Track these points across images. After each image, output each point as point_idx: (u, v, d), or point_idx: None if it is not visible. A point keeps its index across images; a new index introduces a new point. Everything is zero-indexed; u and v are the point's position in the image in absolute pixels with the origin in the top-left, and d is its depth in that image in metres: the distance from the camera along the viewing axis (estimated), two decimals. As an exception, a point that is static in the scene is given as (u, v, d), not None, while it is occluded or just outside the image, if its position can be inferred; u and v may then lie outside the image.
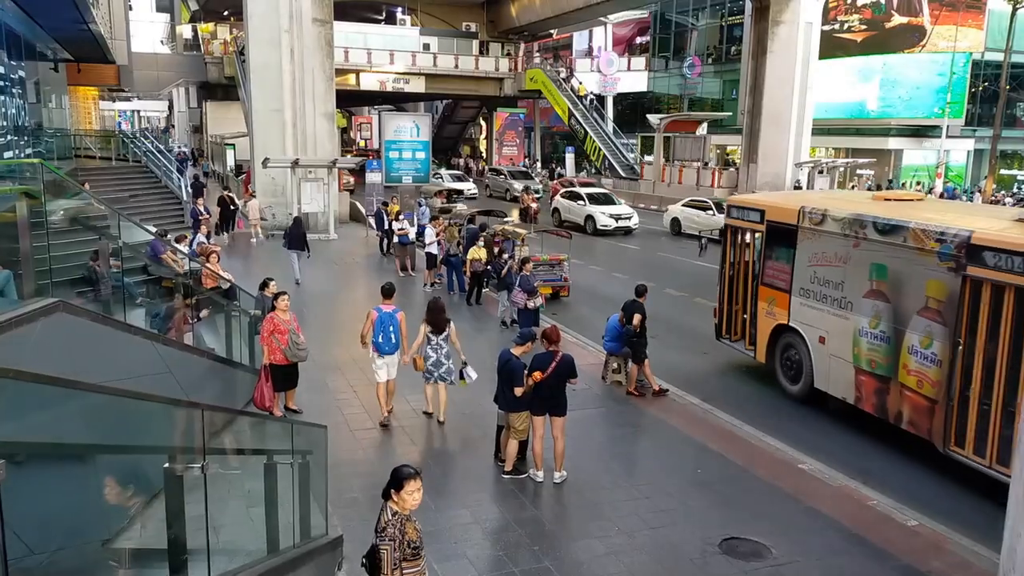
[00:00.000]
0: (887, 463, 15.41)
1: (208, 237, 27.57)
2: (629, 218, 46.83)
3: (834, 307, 17.12)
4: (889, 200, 18.07)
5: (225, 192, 43.33)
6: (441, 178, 64.09)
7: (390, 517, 7.72)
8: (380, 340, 15.86)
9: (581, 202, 48.17)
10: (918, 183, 62.13)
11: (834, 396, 17.44)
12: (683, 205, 47.29)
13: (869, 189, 57.17)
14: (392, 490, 7.80)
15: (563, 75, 77.24)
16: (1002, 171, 65.59)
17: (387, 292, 16.43)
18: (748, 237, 20.12)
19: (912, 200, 19.02)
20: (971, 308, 13.85)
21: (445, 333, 16.01)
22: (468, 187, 63.77)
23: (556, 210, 49.71)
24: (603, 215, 46.16)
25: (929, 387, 14.71)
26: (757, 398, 18.90)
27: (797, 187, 53.01)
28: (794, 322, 18.35)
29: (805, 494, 13.51)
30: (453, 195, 47.76)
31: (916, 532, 12.28)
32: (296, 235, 29.85)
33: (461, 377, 16.12)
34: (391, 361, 16.11)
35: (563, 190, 52.73)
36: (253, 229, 40.73)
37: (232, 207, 41.23)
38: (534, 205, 48.86)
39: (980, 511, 13.25)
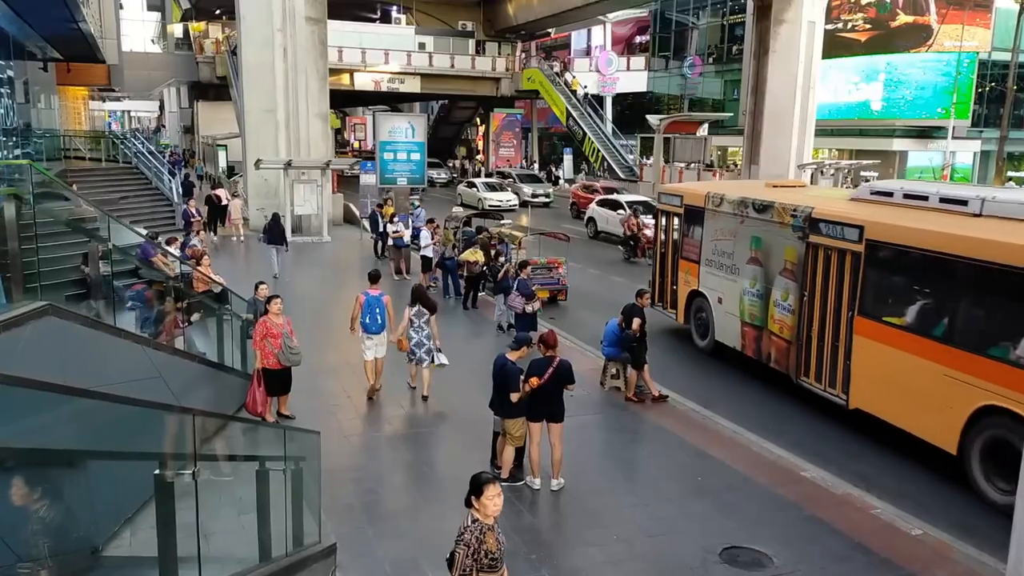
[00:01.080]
0: (890, 469, 15.42)
1: (196, 236, 27.89)
2: None
3: (727, 273, 21.34)
4: (776, 187, 22.36)
5: (213, 191, 43.54)
6: (475, 187, 61.06)
7: (469, 523, 7.86)
8: (367, 321, 17.69)
9: (622, 211, 42.27)
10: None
11: (728, 346, 21.46)
12: (597, 204, 46.15)
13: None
14: (472, 497, 7.92)
15: (556, 69, 77.26)
16: (1009, 173, 65.49)
17: (373, 278, 18.59)
18: (671, 219, 24.26)
19: (792, 187, 23.25)
20: (811, 267, 18.06)
21: (427, 317, 17.93)
22: (506, 198, 58.66)
23: (592, 220, 45.95)
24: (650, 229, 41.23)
25: (787, 332, 18.89)
26: (758, 404, 18.88)
27: None
28: (702, 287, 22.58)
29: (807, 502, 13.52)
30: (488, 214, 38.84)
31: (920, 541, 12.28)
32: (274, 231, 32.39)
33: (433, 360, 18.06)
34: (378, 340, 17.86)
35: (600, 197, 48.96)
36: (234, 228, 41.15)
37: (221, 204, 41.95)
38: (648, 232, 35.50)
39: (983, 519, 13.28)
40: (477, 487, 7.88)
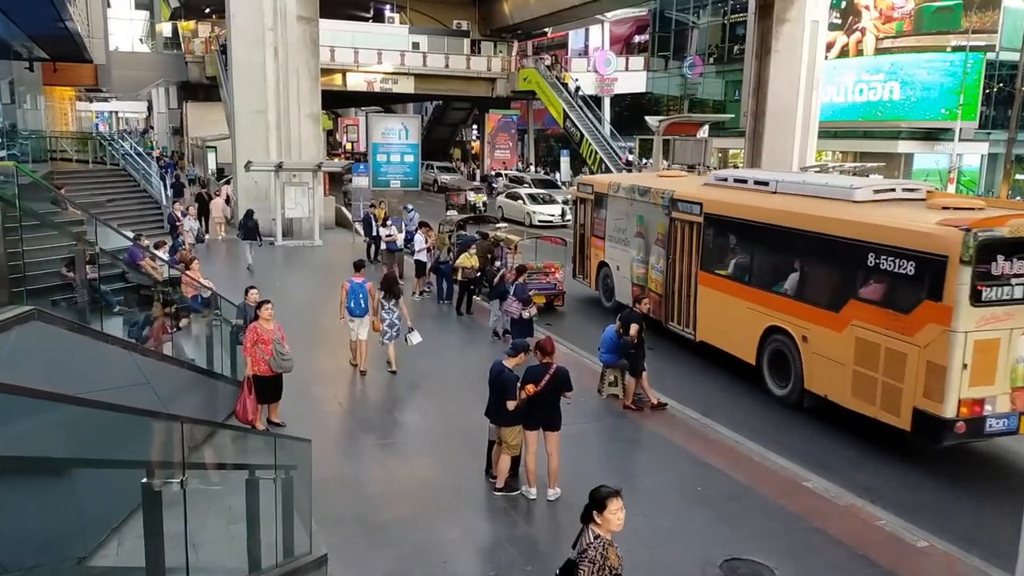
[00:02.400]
0: (894, 480, 15.46)
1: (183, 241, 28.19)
2: None
3: (622, 245, 26.96)
4: (661, 177, 28.28)
5: (203, 190, 43.87)
6: (520, 198, 55.31)
7: (592, 540, 7.81)
8: (352, 305, 20.22)
9: None
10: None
11: (625, 305, 24.42)
12: (506, 197, 46.25)
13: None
14: (594, 512, 7.86)
15: (548, 63, 77.32)
16: (1017, 176, 65.42)
17: (357, 266, 21.42)
18: (586, 205, 29.88)
19: (673, 177, 27.99)
20: (673, 236, 23.73)
21: (395, 301, 20.38)
22: (556, 212, 53.38)
23: (527, 213, 45.53)
24: None
25: (659, 288, 24.48)
26: (759, 413, 18.89)
27: None
28: (607, 259, 28.26)
29: (810, 513, 13.53)
30: (485, 219, 38.63)
31: (926, 553, 12.29)
32: (248, 226, 35.09)
33: (406, 339, 20.58)
34: (362, 323, 20.36)
35: None
36: (216, 227, 41.69)
37: (210, 199, 43.01)
38: None
39: (987, 528, 13.30)
40: (600, 501, 7.84)
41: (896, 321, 15.88)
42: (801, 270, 18.94)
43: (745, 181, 22.58)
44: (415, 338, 20.68)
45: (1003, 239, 14.83)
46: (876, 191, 18.63)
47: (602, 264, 28.45)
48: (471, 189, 59.86)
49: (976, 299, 14.75)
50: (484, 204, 56.21)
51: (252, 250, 34.48)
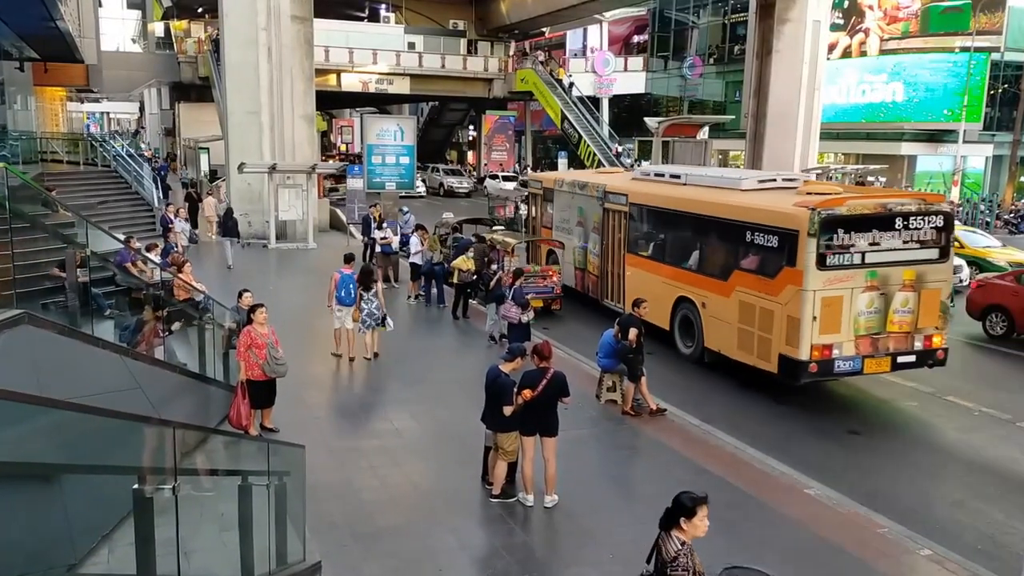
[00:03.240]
0: (897, 488, 15.47)
1: (175, 243, 28.27)
2: None
3: (566, 234, 30.45)
4: (600, 174, 32.70)
5: (192, 189, 44.12)
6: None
7: (679, 547, 7.95)
8: (342, 295, 21.65)
9: None
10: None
11: (570, 287, 29.48)
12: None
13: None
14: (682, 518, 8.04)
15: (540, 59, 77.35)
16: (1022, 178, 65.50)
17: (347, 259, 22.65)
18: (536, 199, 33.44)
19: (610, 173, 32.98)
20: (607, 224, 27.33)
21: (373, 290, 21.69)
22: None
23: None
24: None
25: (596, 270, 28.26)
26: (760, 419, 18.94)
27: None
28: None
29: (812, 521, 13.53)
30: (481, 221, 38.96)
31: (930, 561, 12.29)
32: (227, 225, 36.83)
33: (382, 324, 21.90)
34: (351, 311, 21.68)
35: None
36: (208, 224, 41.90)
37: (200, 201, 43.39)
38: None
39: (994, 541, 13.31)
40: (689, 508, 8.02)
41: (766, 285, 19.63)
42: (701, 248, 22.80)
43: (663, 175, 27.05)
44: (389, 324, 22.21)
45: (841, 216, 18.65)
46: (759, 181, 22.98)
47: (550, 252, 31.51)
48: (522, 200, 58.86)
49: (822, 264, 18.46)
50: None
51: (232, 249, 35.49)
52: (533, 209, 33.83)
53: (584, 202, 28.96)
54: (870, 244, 18.81)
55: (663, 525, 8.11)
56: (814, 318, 18.33)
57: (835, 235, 18.50)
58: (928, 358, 19.66)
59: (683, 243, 23.60)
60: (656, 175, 27.29)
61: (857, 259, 18.74)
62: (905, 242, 19.19)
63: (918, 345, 19.44)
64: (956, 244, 29.46)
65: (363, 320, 21.58)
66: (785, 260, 18.90)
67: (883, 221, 19.01)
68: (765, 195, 21.51)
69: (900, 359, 19.30)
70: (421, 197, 64.56)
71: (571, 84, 75.73)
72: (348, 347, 21.98)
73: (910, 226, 19.17)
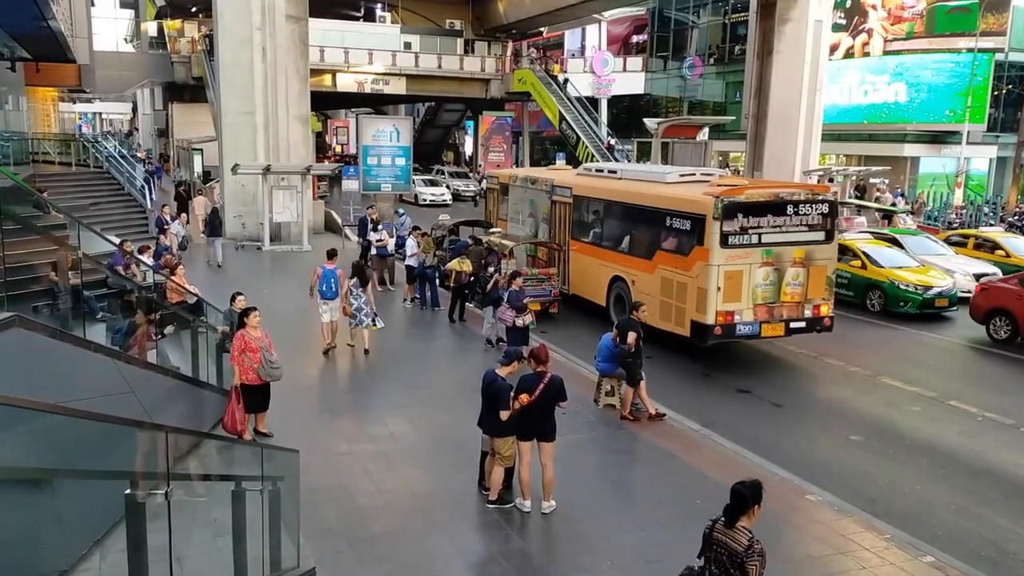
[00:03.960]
0: (899, 494, 15.49)
1: (170, 247, 28.32)
2: None
3: (520, 224, 33.69)
4: (550, 171, 37.04)
5: (180, 188, 44.46)
6: None
7: (750, 535, 8.45)
8: (324, 289, 22.91)
9: None
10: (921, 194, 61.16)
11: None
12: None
13: (877, 201, 57.37)
14: (756, 506, 8.63)
15: (533, 56, 77.37)
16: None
17: (330, 255, 24.22)
18: (494, 193, 36.87)
19: (558, 170, 37.76)
20: (555, 215, 30.65)
21: (363, 287, 22.87)
22: None
23: None
24: None
25: (546, 256, 31.23)
26: (761, 423, 18.95)
27: None
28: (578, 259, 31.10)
29: (813, 526, 13.57)
30: (478, 223, 37.63)
31: (933, 567, 12.30)
32: (213, 224, 37.74)
33: (373, 323, 23.25)
34: (333, 306, 23.05)
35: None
36: (199, 223, 42.06)
37: (190, 199, 44.40)
38: None
39: (999, 548, 13.32)
40: (761, 494, 8.70)
41: (681, 262, 23.37)
42: (632, 233, 26.56)
43: (602, 171, 30.95)
44: (380, 323, 23.85)
45: (740, 203, 22.41)
46: (681, 175, 26.72)
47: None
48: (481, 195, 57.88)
49: (724, 243, 22.16)
50: None
51: (220, 247, 36.24)
52: (491, 203, 37.81)
53: (535, 195, 32.64)
54: (765, 226, 22.63)
55: (730, 519, 8.56)
56: (718, 289, 22.11)
57: (736, 219, 22.33)
58: (816, 324, 23.61)
59: (617, 229, 27.45)
60: (596, 171, 31.36)
61: (755, 239, 22.51)
62: (795, 226, 23.09)
63: (808, 313, 23.33)
64: (1002, 253, 35.56)
65: (353, 314, 22.82)
66: (696, 241, 22.74)
67: (776, 207, 22.93)
68: (683, 187, 25.25)
69: (792, 325, 23.20)
70: (446, 206, 63.93)
71: (566, 80, 75.80)
72: (332, 338, 23.38)
73: (799, 212, 23.14)
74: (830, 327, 23.80)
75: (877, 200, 54.42)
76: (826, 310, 23.65)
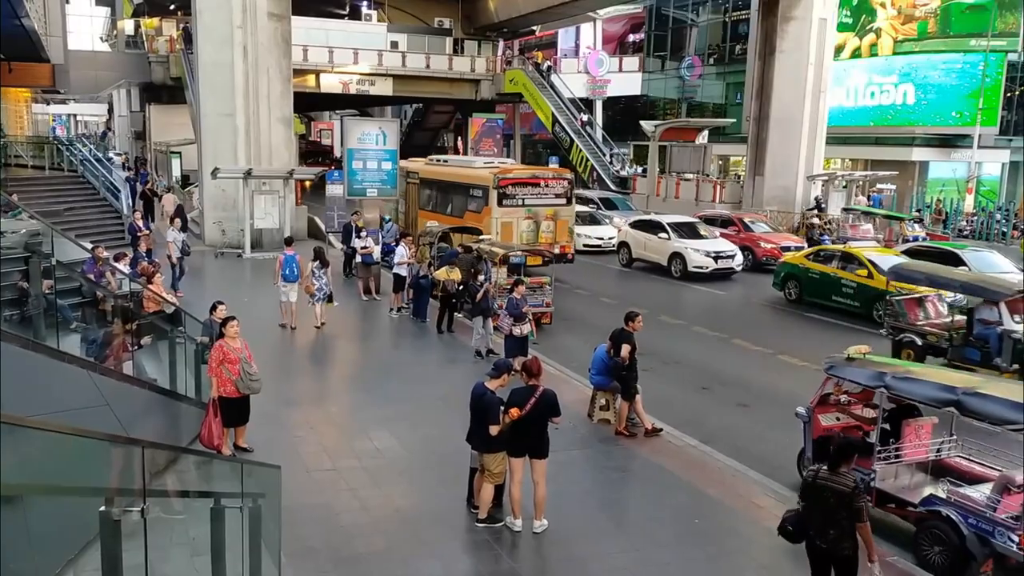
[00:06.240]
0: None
1: (149, 254, 28.19)
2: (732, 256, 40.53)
3: (431, 210, 41.41)
4: (412, 160, 46.89)
5: (147, 187, 44.95)
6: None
7: (855, 477, 10.62)
8: (287, 272, 26.34)
9: (664, 235, 41.22)
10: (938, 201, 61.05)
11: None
12: (631, 226, 44.14)
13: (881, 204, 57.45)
14: (856, 455, 10.95)
15: (515, 49, 77.50)
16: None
17: (288, 242, 28.97)
18: (408, 185, 44.16)
19: (414, 160, 47.23)
20: (408, 193, 43.60)
21: (324, 269, 26.63)
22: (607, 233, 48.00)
23: (624, 245, 43.79)
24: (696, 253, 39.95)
25: (401, 223, 42.59)
26: (761, 439, 18.91)
27: (819, 206, 52.92)
28: (387, 213, 43.00)
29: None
30: (468, 230, 36.59)
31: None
32: (182, 218, 38.92)
33: (330, 300, 27.18)
34: (293, 288, 26.49)
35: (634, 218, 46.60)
36: (167, 219, 42.17)
37: (155, 197, 45.85)
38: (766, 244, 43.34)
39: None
40: (849, 454, 10.69)
41: (478, 217, 35.92)
42: (452, 201, 39.48)
43: (437, 160, 46.56)
44: (335, 302, 27.77)
45: (509, 178, 36.04)
46: (484, 163, 42.80)
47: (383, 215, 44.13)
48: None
49: (500, 204, 35.22)
50: None
51: (168, 238, 35.47)
52: (403, 190, 45.81)
53: (402, 181, 44.04)
54: (527, 194, 35.93)
55: (833, 465, 10.41)
56: (497, 233, 34.21)
57: (507, 188, 35.58)
58: (563, 258, 35.91)
59: (444, 199, 40.46)
60: (436, 161, 46.46)
61: (520, 202, 35.71)
62: (546, 194, 36.43)
63: (557, 251, 34.55)
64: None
65: (314, 294, 26.53)
66: (485, 202, 35.85)
67: (533, 182, 36.65)
68: (482, 170, 39.00)
69: (545, 258, 30.71)
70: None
71: (549, 68, 76.09)
72: (292, 318, 26.80)
73: (548, 186, 36.70)
74: (572, 260, 37.67)
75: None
76: (569, 249, 37.28)
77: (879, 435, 14.49)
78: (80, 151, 47.71)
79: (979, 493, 12.34)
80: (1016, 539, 11.91)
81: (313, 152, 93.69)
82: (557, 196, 36.50)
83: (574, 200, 38.93)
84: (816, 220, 48.75)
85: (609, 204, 54.57)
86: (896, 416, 15.19)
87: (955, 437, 14.92)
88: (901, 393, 13.92)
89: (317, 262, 26.57)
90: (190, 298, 28.01)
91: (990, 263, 32.13)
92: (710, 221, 45.16)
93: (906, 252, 33.57)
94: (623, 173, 70.27)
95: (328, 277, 27.00)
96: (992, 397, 12.56)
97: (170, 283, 29.18)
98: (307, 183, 56.92)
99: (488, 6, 79.24)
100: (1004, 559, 12.24)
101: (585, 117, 73.47)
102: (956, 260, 31.42)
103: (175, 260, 30.68)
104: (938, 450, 14.81)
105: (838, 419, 16.08)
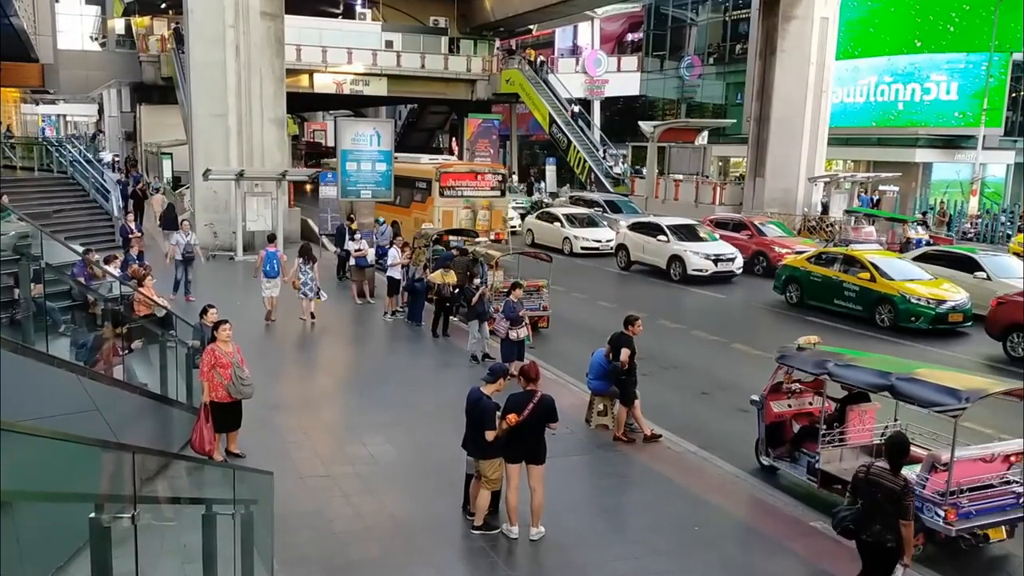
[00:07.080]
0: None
1: (140, 256, 28.06)
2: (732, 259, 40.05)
3: (383, 201, 43.28)
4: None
5: (137, 187, 45.80)
6: (557, 220, 49.79)
7: (906, 476, 10.94)
8: (268, 268, 27.49)
9: (663, 237, 40.71)
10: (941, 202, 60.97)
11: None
12: (630, 228, 43.36)
13: (877, 203, 57.45)
14: (903, 459, 11.00)
15: (506, 47, 77.57)
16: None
17: (271, 239, 30.44)
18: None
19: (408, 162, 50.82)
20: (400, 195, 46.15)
21: (311, 264, 27.55)
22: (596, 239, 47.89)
23: (623, 247, 43.14)
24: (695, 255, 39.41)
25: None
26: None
27: (826, 209, 52.97)
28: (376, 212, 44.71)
29: (816, 555, 13.50)
30: (462, 232, 36.29)
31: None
32: (168, 218, 43.24)
33: (317, 296, 27.81)
34: (275, 283, 27.62)
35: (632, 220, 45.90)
36: (155, 218, 43.87)
37: (145, 197, 46.42)
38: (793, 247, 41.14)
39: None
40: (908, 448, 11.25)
41: (422, 207, 41.47)
42: (400, 193, 42.99)
43: (418, 159, 51.28)
44: (323, 295, 28.46)
45: (449, 172, 42.04)
46: (431, 159, 50.78)
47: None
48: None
49: (442, 195, 40.63)
50: None
51: (171, 241, 35.11)
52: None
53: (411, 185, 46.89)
54: (465, 186, 41.55)
55: (894, 465, 10.67)
56: (439, 220, 39.31)
57: (448, 181, 41.17)
58: (497, 241, 39.35)
59: (395, 191, 42.60)
60: (407, 160, 49.65)
61: (459, 193, 41.13)
62: (482, 187, 42.00)
63: (492, 236, 39.80)
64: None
65: (301, 288, 27.59)
66: (429, 193, 41.11)
67: (470, 175, 42.34)
68: (428, 165, 45.66)
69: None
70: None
71: (541, 63, 76.15)
72: (272, 309, 27.89)
73: (484, 179, 42.40)
74: (506, 242, 40.76)
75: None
76: (503, 236, 42.03)
77: (823, 419, 15.73)
78: (70, 152, 47.68)
79: (911, 472, 12.61)
80: (942, 514, 12.78)
81: (312, 153, 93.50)
82: (492, 188, 42.43)
83: (507, 192, 46.14)
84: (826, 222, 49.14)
85: (614, 207, 54.13)
86: (847, 403, 16.45)
87: (899, 422, 15.78)
88: (841, 379, 15.19)
89: (302, 258, 27.70)
90: (181, 302, 28.12)
91: (1007, 267, 31.93)
92: (721, 225, 45.08)
93: (918, 257, 33.59)
94: (616, 171, 70.36)
95: (315, 272, 27.95)
96: (922, 382, 13.56)
97: (173, 288, 29.80)
98: (307, 186, 57.22)
99: (484, 5, 79.35)
100: (934, 533, 13.17)
101: (576, 108, 73.48)
102: (973, 264, 31.64)
103: (177, 261, 30.60)
104: (882, 434, 15.51)
105: (789, 406, 17.18)
